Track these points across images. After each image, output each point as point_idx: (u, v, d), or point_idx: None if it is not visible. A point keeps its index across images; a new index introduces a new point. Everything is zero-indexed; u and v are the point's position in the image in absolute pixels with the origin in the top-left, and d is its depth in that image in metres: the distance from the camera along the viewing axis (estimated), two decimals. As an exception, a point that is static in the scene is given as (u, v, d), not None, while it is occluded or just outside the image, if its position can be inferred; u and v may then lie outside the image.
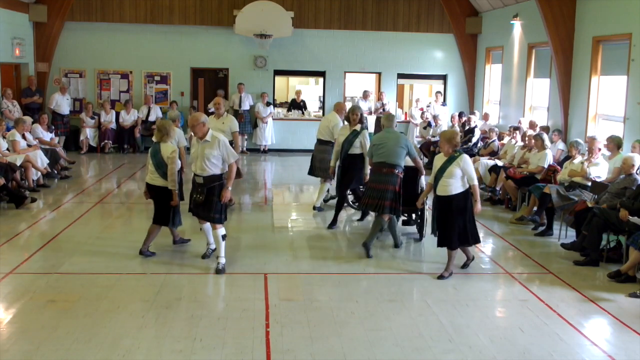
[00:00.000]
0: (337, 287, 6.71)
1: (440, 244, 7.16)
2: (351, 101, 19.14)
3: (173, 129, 7.69)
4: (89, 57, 16.46)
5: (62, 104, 15.43)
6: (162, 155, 7.36)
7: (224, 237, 7.17)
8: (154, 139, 7.65)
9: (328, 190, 10.52)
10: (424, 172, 8.66)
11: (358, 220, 9.71)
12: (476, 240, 7.19)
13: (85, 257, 7.55)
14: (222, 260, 7.15)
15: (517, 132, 11.94)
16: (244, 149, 16.72)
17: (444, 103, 16.92)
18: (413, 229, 9.02)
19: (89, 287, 6.51)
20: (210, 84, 17.10)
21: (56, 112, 15.30)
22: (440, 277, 7.05)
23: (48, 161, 11.91)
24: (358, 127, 9.09)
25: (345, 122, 9.50)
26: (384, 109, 15.59)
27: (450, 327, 5.71)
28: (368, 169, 8.57)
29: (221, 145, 6.95)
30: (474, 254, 7.77)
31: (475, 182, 6.97)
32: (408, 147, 7.95)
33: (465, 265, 7.42)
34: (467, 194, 6.96)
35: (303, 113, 17.61)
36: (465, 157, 6.92)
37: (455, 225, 6.93)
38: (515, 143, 11.68)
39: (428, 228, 8.33)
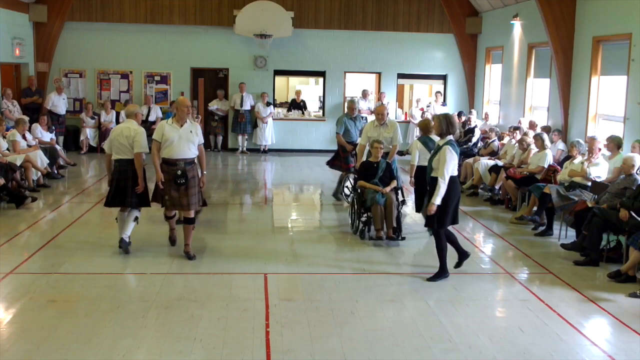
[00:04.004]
0: (337, 287, 6.71)
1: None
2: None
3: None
4: (89, 57, 16.45)
5: (58, 104, 15.39)
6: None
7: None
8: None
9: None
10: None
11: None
12: None
13: (85, 257, 7.55)
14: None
15: (517, 132, 11.94)
16: (244, 149, 16.74)
17: (444, 103, 16.92)
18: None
19: (89, 287, 6.51)
20: (210, 84, 17.09)
21: (52, 112, 15.24)
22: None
23: (48, 161, 11.92)
24: (442, 141, 7.27)
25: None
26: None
27: (450, 327, 5.70)
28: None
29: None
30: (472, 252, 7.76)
31: None
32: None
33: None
34: None
35: (303, 113, 17.61)
36: None
37: None
38: (515, 143, 11.67)
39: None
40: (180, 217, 8.15)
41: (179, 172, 7.29)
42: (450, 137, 6.92)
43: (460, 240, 8.70)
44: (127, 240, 7.68)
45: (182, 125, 7.32)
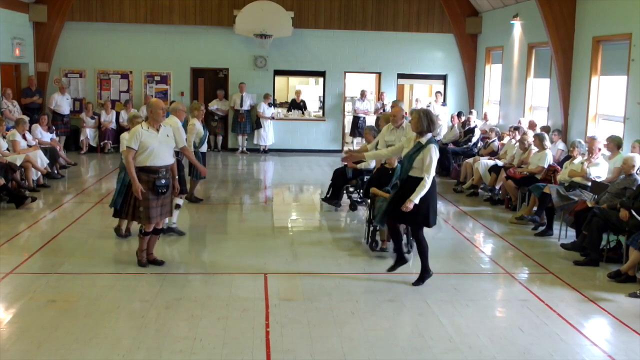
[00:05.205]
0: (337, 287, 6.70)
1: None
2: (351, 101, 19.18)
3: None
4: (89, 57, 16.45)
5: (62, 104, 15.42)
6: None
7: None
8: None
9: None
10: None
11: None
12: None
13: (85, 257, 7.55)
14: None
15: (517, 132, 11.94)
16: (244, 149, 16.74)
17: (444, 103, 16.91)
18: None
19: (89, 287, 6.51)
20: (210, 84, 17.10)
21: (56, 112, 15.30)
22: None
23: (48, 161, 11.92)
24: (423, 139, 6.60)
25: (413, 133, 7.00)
26: (384, 110, 15.58)
27: (450, 327, 5.71)
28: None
29: None
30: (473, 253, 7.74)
31: None
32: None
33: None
34: None
35: (303, 113, 17.62)
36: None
37: None
38: (515, 143, 11.68)
39: None
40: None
41: (164, 181, 6.89)
42: (430, 135, 6.55)
43: (460, 240, 8.76)
44: (174, 226, 8.48)
45: (158, 130, 6.87)
